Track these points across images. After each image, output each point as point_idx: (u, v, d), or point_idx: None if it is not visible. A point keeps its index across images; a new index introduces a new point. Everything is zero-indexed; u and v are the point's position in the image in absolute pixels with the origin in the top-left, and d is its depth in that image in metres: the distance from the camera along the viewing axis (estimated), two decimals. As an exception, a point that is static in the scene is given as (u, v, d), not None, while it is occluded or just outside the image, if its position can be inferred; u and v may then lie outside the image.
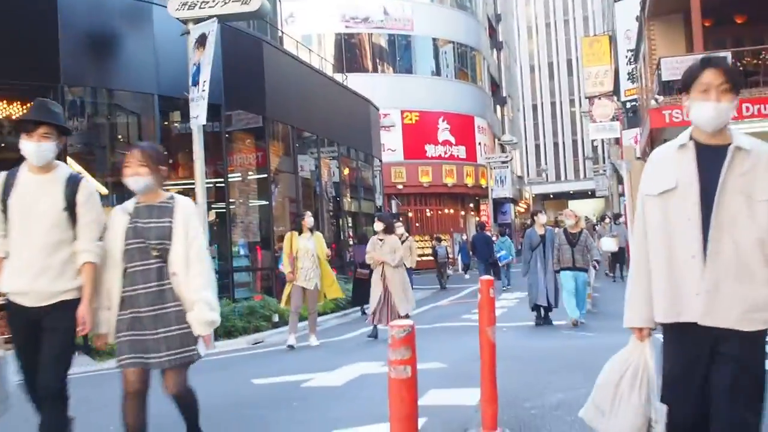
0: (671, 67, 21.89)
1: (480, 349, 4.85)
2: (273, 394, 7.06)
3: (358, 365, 8.33)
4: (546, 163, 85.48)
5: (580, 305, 12.20)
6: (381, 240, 11.60)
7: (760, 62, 22.95)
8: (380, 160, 27.43)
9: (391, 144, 35.27)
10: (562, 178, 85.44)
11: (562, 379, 6.65)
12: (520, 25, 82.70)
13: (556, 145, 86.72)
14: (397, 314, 11.19)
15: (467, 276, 29.77)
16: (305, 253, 11.12)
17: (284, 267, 11.31)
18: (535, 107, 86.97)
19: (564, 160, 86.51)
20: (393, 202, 28.63)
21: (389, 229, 11.80)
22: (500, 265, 23.31)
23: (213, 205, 15.39)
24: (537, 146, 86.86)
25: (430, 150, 38.47)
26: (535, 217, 13.07)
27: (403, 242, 15.28)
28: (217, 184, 15.59)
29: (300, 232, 11.28)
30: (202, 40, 12.56)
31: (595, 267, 12.51)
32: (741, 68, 22.29)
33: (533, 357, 8.35)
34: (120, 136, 15.31)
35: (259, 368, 8.99)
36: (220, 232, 15.40)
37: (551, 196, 79.20)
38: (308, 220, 11.40)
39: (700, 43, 21.53)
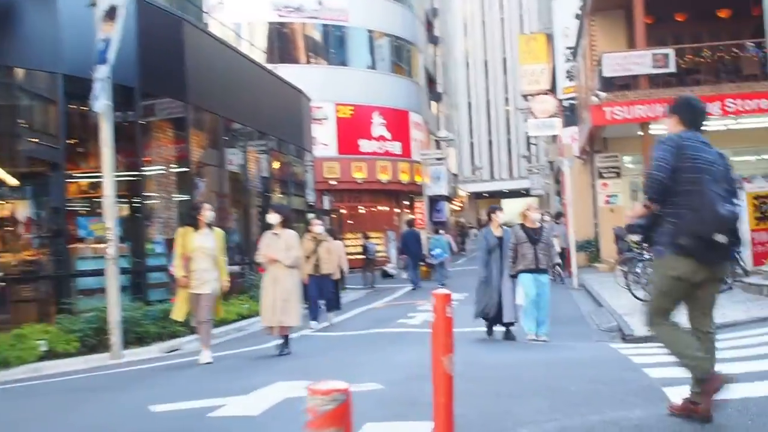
0: (613, 63, 21.41)
1: (434, 384, 3.68)
2: (172, 427, 5.76)
3: (281, 385, 7.05)
4: (480, 162, 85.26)
5: (542, 318, 10.20)
6: (276, 234, 10.20)
7: (700, 59, 22.68)
8: (312, 154, 26.15)
9: (324, 138, 33.91)
10: (496, 176, 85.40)
11: (524, 406, 5.50)
12: (456, 21, 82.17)
13: (490, 143, 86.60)
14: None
15: (405, 275, 28.79)
16: (201, 252, 9.62)
17: (176, 270, 9.72)
18: (470, 105, 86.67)
19: (498, 158, 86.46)
20: (326, 199, 27.43)
21: (286, 223, 10.37)
22: (434, 263, 23.17)
23: (130, 200, 14.03)
24: (471, 144, 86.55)
25: (365, 145, 37.27)
26: (492, 215, 10.79)
27: (319, 243, 13.84)
28: (133, 177, 14.16)
29: (196, 228, 9.80)
30: (111, 13, 11.28)
31: (557, 271, 10.88)
32: (683, 65, 22.01)
33: (488, 376, 7.09)
34: (21, 121, 13.72)
35: (162, 388, 7.66)
36: (132, 228, 13.99)
37: (485, 194, 79.06)
38: (206, 213, 9.86)
39: (643, 39, 21.24)
